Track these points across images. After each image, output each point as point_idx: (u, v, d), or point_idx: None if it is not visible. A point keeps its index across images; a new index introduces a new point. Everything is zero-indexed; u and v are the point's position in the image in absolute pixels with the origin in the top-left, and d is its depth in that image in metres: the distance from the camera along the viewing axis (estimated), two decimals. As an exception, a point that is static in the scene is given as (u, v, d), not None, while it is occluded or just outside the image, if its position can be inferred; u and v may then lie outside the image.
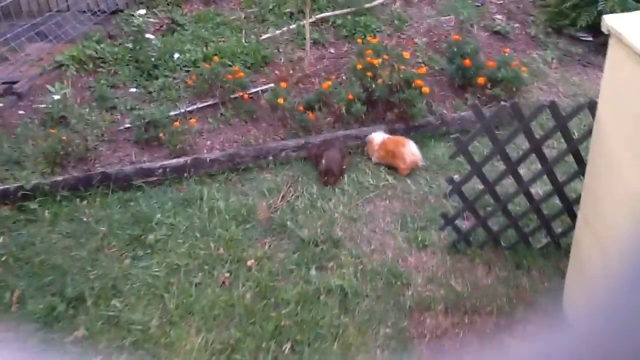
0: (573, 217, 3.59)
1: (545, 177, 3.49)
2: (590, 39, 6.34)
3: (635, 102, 2.56)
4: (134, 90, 5.69)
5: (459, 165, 4.70)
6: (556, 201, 3.69)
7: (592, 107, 2.87)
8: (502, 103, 3.00)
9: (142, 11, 6.62)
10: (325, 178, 4.47)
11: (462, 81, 5.45)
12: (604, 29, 2.66)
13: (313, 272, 3.74)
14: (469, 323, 3.42)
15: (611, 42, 2.66)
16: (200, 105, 5.42)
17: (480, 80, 5.24)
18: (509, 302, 3.52)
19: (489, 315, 3.45)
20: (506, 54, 5.47)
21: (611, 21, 2.61)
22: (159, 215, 4.21)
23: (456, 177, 4.15)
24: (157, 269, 3.79)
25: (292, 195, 4.42)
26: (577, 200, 3.50)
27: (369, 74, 5.10)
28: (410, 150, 4.58)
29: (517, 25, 6.66)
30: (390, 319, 3.46)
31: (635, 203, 2.58)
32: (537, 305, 3.48)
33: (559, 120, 3.05)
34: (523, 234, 3.75)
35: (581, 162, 3.25)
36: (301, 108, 5.05)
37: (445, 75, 5.74)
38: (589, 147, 3.00)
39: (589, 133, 3.06)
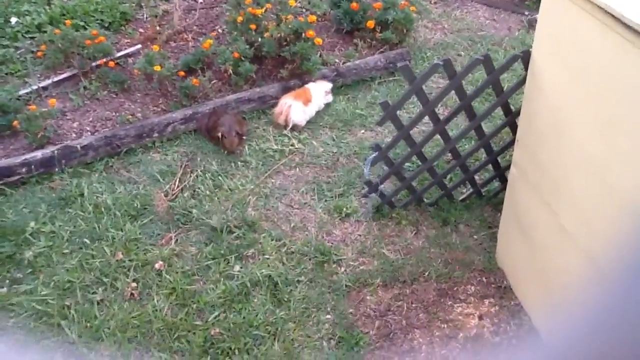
0: (497, 167, 3.49)
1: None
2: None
3: (577, 51, 2.38)
4: (-34, 68, 4.66)
5: (363, 119, 4.43)
6: (477, 152, 3.57)
7: (525, 57, 2.67)
8: (436, 61, 2.69)
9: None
10: (229, 142, 3.95)
11: (350, 26, 5.10)
12: (539, -29, 2.43)
13: (233, 264, 3.32)
14: (411, 293, 3.23)
15: (548, -14, 2.44)
16: (57, 79, 4.56)
17: (369, 23, 4.93)
18: (445, 263, 3.38)
19: (428, 282, 3.29)
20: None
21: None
22: (32, 224, 3.48)
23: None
24: (45, 292, 3.13)
25: (190, 177, 3.88)
26: (502, 150, 3.40)
27: (253, 26, 4.57)
28: (285, 103, 4.24)
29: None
30: (329, 303, 3.17)
31: (579, 151, 2.46)
32: (473, 263, 3.38)
33: (492, 74, 2.83)
34: (446, 189, 3.60)
35: (509, 113, 3.10)
36: (182, 73, 4.42)
37: (329, 20, 5.36)
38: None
39: (519, 85, 2.89)
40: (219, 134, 3.95)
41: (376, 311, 3.15)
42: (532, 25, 5.54)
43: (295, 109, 4.19)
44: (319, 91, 4.37)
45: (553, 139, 2.64)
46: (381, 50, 5.01)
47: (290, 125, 4.23)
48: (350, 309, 3.16)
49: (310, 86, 4.40)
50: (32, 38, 4.92)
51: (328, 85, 4.45)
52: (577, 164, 2.47)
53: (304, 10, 5.37)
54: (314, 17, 4.68)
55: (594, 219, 2.42)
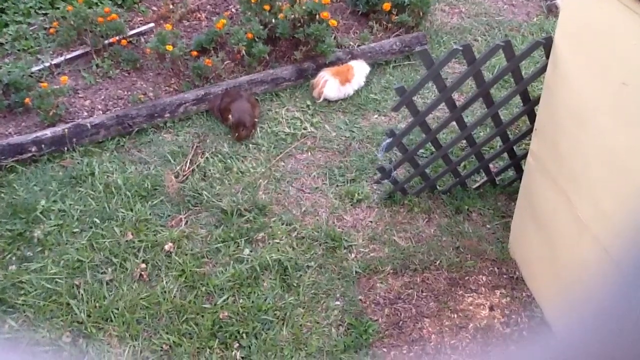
0: (513, 155, 3.42)
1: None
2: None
3: (602, 38, 2.31)
4: (-22, 43, 4.63)
5: (376, 104, 4.37)
6: (493, 140, 3.50)
7: (547, 44, 2.60)
8: (454, 47, 2.62)
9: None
10: (237, 134, 3.94)
11: (366, 8, 5.01)
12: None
13: (243, 248, 3.30)
14: (421, 281, 3.20)
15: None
16: (69, 56, 4.53)
17: (386, 6, 4.84)
18: (456, 252, 3.34)
19: (439, 270, 3.25)
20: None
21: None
22: (43, 202, 3.47)
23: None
24: (54, 271, 3.13)
25: (201, 158, 3.85)
26: (519, 139, 3.33)
27: (266, 7, 4.50)
28: (323, 76, 4.26)
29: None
30: (338, 289, 3.15)
31: (600, 141, 2.39)
32: (485, 253, 3.33)
33: (512, 60, 2.76)
34: (460, 177, 3.54)
35: (528, 101, 3.03)
36: (195, 53, 4.37)
37: (344, 1, 5.27)
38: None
39: (539, 72, 2.82)
40: (229, 125, 3.94)
41: (386, 299, 3.12)
42: (551, 10, 5.42)
43: (330, 85, 4.22)
44: (361, 71, 4.40)
45: (573, 129, 2.57)
46: (397, 33, 4.92)
47: (321, 99, 4.27)
48: (359, 295, 3.14)
49: (355, 65, 4.39)
50: (44, 14, 4.88)
51: (367, 68, 4.47)
52: (597, 154, 2.41)
53: (318, -10, 5.28)
54: (327, -2, 4.60)
55: (611, 210, 2.36)
